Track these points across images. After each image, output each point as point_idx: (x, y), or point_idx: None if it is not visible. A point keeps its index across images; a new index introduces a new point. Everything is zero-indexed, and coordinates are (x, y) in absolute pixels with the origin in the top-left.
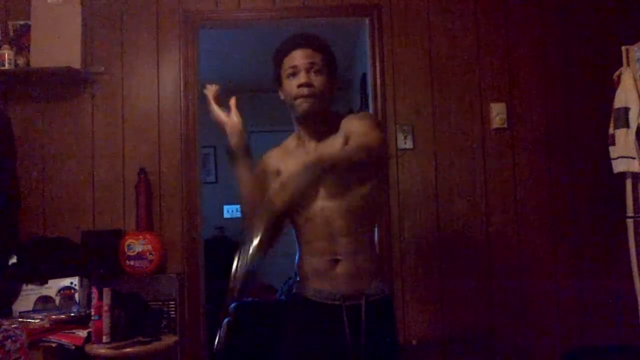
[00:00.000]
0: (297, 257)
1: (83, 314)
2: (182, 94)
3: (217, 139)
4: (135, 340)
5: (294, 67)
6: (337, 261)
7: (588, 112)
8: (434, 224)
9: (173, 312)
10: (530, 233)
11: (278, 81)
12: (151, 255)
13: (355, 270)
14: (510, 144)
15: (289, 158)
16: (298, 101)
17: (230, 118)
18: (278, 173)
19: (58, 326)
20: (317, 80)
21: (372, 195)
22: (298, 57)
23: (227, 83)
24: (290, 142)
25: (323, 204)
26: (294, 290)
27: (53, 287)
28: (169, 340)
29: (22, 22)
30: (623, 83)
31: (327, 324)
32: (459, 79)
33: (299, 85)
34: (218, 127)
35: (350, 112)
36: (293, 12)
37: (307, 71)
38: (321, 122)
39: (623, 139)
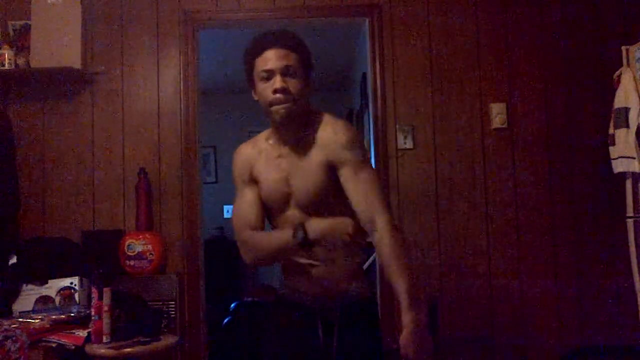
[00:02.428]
0: None
1: (83, 314)
2: (182, 94)
3: (217, 139)
4: (135, 340)
5: (268, 71)
6: (312, 265)
7: (588, 112)
8: (434, 223)
9: (173, 312)
10: (530, 233)
11: (250, 82)
12: (151, 255)
13: (330, 274)
14: (510, 144)
15: (263, 161)
16: (274, 108)
17: None
18: (251, 174)
19: (58, 326)
20: (293, 84)
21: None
22: (272, 60)
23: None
24: (263, 137)
25: (293, 213)
26: (279, 290)
27: (53, 287)
28: (169, 340)
29: (22, 22)
30: (623, 83)
31: (302, 325)
32: (459, 79)
33: (275, 91)
34: None
35: (351, 112)
36: (293, 12)
37: (283, 75)
38: (297, 125)
39: (623, 139)
